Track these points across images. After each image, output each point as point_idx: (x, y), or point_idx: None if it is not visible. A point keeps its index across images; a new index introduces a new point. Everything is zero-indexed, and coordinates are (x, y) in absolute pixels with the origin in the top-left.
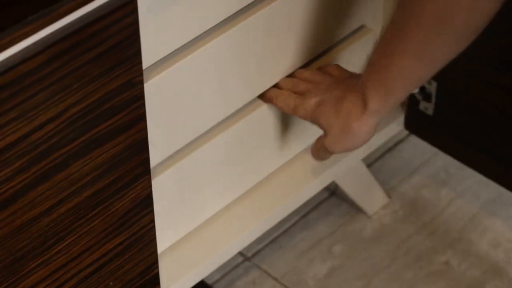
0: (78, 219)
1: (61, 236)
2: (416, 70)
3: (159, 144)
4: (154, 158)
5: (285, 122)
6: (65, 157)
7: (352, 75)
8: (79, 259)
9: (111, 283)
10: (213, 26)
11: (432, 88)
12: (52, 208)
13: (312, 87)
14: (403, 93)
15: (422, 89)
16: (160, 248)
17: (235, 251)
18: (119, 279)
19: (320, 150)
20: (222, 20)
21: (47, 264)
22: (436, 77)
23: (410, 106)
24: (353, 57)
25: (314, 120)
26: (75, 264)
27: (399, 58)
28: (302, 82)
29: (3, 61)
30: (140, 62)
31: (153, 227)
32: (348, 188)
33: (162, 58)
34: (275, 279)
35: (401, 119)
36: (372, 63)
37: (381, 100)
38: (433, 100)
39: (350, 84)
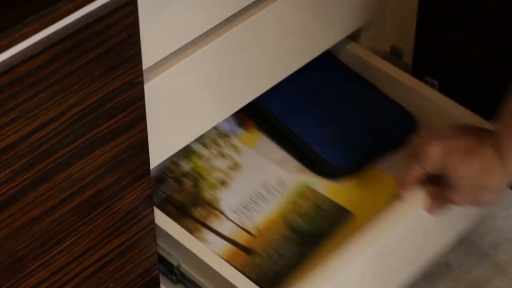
0: (80, 219)
1: (63, 236)
2: None
3: (158, 146)
4: (154, 161)
5: None
6: (66, 157)
7: (477, 127)
8: (80, 259)
9: (111, 284)
10: (214, 27)
11: None
12: (54, 208)
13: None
14: None
15: None
16: None
17: None
18: (120, 280)
19: (440, 202)
20: (222, 21)
21: (48, 265)
22: None
23: None
24: None
25: (444, 170)
26: (76, 264)
27: None
28: None
29: (3, 61)
30: (140, 63)
31: (153, 228)
32: None
33: (162, 59)
34: None
35: None
36: (509, 115)
37: None
38: None
39: (479, 134)
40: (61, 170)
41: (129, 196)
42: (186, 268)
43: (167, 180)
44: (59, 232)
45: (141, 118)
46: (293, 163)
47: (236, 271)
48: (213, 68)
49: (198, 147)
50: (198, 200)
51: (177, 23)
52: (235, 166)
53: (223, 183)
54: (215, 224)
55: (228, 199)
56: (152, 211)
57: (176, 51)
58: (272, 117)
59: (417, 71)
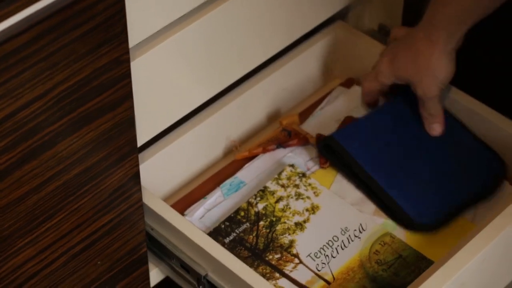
0: (67, 197)
1: (50, 214)
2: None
3: (145, 123)
4: (141, 138)
5: None
6: (53, 135)
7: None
8: (67, 237)
9: (99, 262)
10: (200, 5)
11: None
12: (40, 187)
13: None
14: (466, 12)
15: None
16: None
17: None
18: (108, 258)
19: (424, 111)
20: None
21: (35, 243)
22: None
23: None
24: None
25: (398, 78)
26: (64, 242)
27: None
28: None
29: None
30: (127, 40)
31: (141, 206)
32: None
33: (149, 37)
34: None
35: None
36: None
37: (445, 24)
38: None
39: (412, 30)
40: (48, 148)
41: (117, 173)
42: (214, 277)
43: (240, 221)
44: (46, 210)
45: (128, 96)
46: (370, 203)
47: (265, 280)
48: (199, 46)
49: (274, 187)
50: (273, 244)
51: (164, 1)
52: (313, 208)
53: (300, 226)
54: (291, 270)
55: (304, 244)
56: (140, 189)
57: (162, 29)
58: (350, 159)
59: None
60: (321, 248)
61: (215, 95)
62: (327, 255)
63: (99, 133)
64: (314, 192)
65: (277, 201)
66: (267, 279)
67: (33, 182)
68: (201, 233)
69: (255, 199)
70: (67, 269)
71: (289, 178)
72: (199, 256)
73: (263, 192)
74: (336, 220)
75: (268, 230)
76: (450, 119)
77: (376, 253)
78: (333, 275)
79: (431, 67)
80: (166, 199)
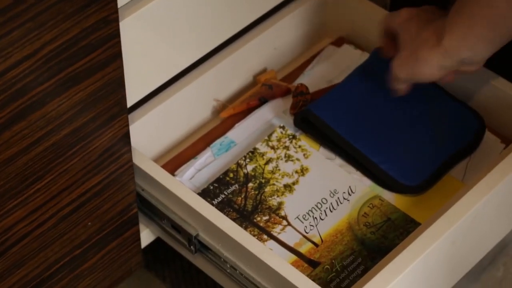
0: (56, 158)
1: (39, 176)
2: (499, 6)
3: (135, 84)
4: (130, 98)
5: None
6: (41, 96)
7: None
8: (57, 198)
9: (89, 223)
10: None
11: None
12: (29, 147)
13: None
14: (482, 35)
15: None
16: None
17: None
18: (98, 218)
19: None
20: None
21: (24, 204)
22: None
23: None
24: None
25: (398, 29)
26: (54, 203)
27: None
28: None
29: None
30: (115, 0)
31: (131, 166)
32: None
33: None
34: None
35: None
36: None
37: (457, 36)
38: None
39: (443, 13)
40: (36, 109)
41: (106, 134)
42: (205, 237)
43: (229, 182)
44: (35, 171)
45: (117, 56)
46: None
47: (255, 240)
48: (189, 6)
49: (264, 149)
50: (262, 205)
51: None
52: (302, 170)
53: (289, 188)
54: (279, 232)
55: (293, 206)
56: (130, 149)
57: None
58: (330, 130)
59: (395, 7)
60: (309, 210)
61: (205, 55)
62: (315, 218)
63: (88, 94)
64: (304, 154)
65: (266, 163)
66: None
67: (22, 143)
68: (191, 193)
69: (245, 160)
70: (58, 230)
71: (279, 140)
72: (189, 216)
73: (252, 153)
74: (325, 182)
75: (256, 192)
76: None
77: (364, 215)
78: (321, 237)
79: (416, 60)
80: (156, 160)
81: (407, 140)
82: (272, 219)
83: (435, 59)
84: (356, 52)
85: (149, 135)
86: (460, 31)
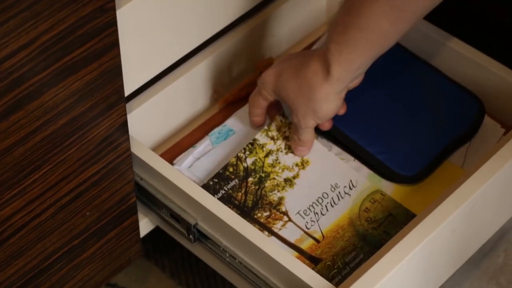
0: (54, 147)
1: (37, 166)
2: (382, 28)
3: (132, 73)
4: (128, 87)
5: None
6: (38, 85)
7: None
8: (55, 188)
9: (88, 213)
10: None
11: None
12: (27, 137)
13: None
14: (369, 55)
15: None
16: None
17: None
18: (96, 208)
19: (295, 134)
20: None
21: (23, 194)
22: None
23: None
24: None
25: (277, 94)
26: (52, 193)
27: (365, 13)
28: None
29: None
30: None
31: (129, 155)
32: None
33: None
34: None
35: None
36: (336, 23)
37: (345, 63)
38: None
39: (309, 51)
40: (33, 99)
41: (104, 123)
42: (204, 226)
43: (229, 177)
44: (33, 161)
45: (114, 45)
46: None
47: (254, 228)
48: None
49: (264, 140)
50: (262, 201)
51: None
52: (302, 163)
53: (289, 182)
54: (280, 228)
55: (294, 201)
56: (128, 138)
57: None
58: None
59: None
60: (310, 205)
61: (203, 43)
62: (316, 213)
63: (86, 83)
64: None
65: (266, 155)
66: None
67: (19, 133)
68: (190, 182)
69: (244, 153)
70: (56, 221)
71: (279, 129)
72: (188, 205)
73: (252, 145)
74: (326, 175)
75: (257, 187)
76: (420, 64)
77: (366, 210)
78: (322, 233)
79: (314, 102)
80: (154, 149)
81: (405, 128)
82: (273, 215)
83: (331, 91)
84: None
85: (147, 124)
86: (347, 58)
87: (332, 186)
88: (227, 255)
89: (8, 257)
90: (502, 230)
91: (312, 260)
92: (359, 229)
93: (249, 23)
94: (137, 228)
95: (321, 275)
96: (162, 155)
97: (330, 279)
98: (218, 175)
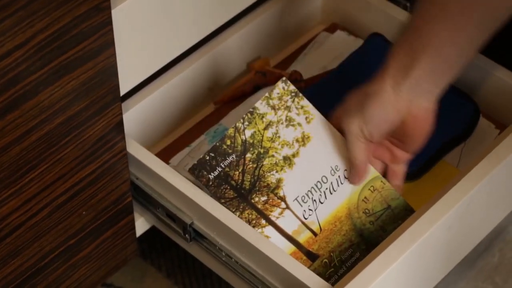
0: (50, 147)
1: (33, 165)
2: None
3: (128, 72)
4: (124, 87)
5: None
6: (34, 85)
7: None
8: (51, 188)
9: (84, 212)
10: None
11: None
12: (23, 137)
13: None
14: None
15: None
16: None
17: None
18: (92, 208)
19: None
20: None
21: (19, 194)
22: None
23: None
24: None
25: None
26: (48, 193)
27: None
28: None
29: None
30: None
31: (125, 155)
32: None
33: None
34: None
35: None
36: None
37: (407, 67)
38: None
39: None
40: (29, 98)
41: (99, 123)
42: (200, 225)
43: (226, 151)
44: (29, 161)
45: (110, 44)
46: None
47: (250, 228)
48: None
49: (264, 109)
50: (260, 183)
51: None
52: (303, 139)
53: (288, 162)
54: (277, 216)
55: (292, 184)
56: (123, 138)
57: None
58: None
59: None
60: (308, 191)
61: (198, 43)
62: (314, 200)
63: (81, 82)
64: (306, 118)
65: (266, 128)
66: (253, 227)
67: (15, 132)
68: (186, 181)
69: (243, 123)
70: (52, 220)
71: (280, 98)
72: (184, 204)
73: (251, 114)
74: (327, 155)
75: (255, 165)
76: None
77: (364, 200)
78: (320, 225)
79: (366, 106)
80: (150, 148)
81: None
82: (271, 200)
83: (403, 102)
84: (350, 39)
85: (143, 124)
86: (408, 57)
87: (332, 169)
88: (223, 254)
89: (5, 256)
90: (497, 229)
91: (309, 256)
92: (357, 223)
93: (244, 23)
94: (133, 227)
95: (318, 273)
96: (157, 155)
97: (327, 278)
98: (214, 149)
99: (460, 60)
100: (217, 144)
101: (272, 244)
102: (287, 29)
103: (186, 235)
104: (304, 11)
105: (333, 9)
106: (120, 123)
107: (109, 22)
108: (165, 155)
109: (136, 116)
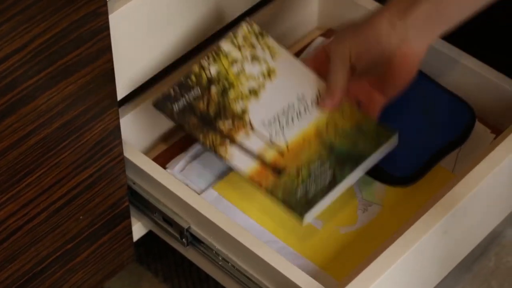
0: (47, 151)
1: (31, 169)
2: None
3: (125, 77)
4: (121, 92)
5: None
6: (32, 89)
7: None
8: (49, 192)
9: (81, 217)
10: None
11: None
12: (20, 141)
13: None
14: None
15: None
16: None
17: None
18: (90, 212)
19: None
20: None
21: (16, 198)
22: None
23: None
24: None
25: (357, 58)
26: (45, 197)
27: None
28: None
29: None
30: None
31: (122, 159)
32: None
33: None
34: None
35: None
36: None
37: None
38: None
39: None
40: (27, 102)
41: (97, 127)
42: (197, 230)
43: (191, 86)
44: (27, 165)
45: (107, 49)
46: None
47: (247, 232)
48: None
49: (229, 48)
50: (225, 110)
51: None
52: (269, 73)
53: (254, 92)
54: (242, 138)
55: (258, 112)
56: (120, 143)
57: None
58: None
59: None
60: (274, 116)
61: (195, 47)
62: (281, 124)
63: (78, 87)
64: (271, 54)
65: (231, 64)
66: (216, 146)
67: (13, 137)
68: (183, 186)
69: (208, 60)
70: (49, 224)
71: (245, 38)
72: (181, 209)
73: (216, 53)
74: (293, 86)
75: (220, 97)
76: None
77: (334, 122)
78: (287, 145)
79: (359, 25)
80: (147, 153)
81: (398, 132)
82: (236, 125)
83: (385, 20)
84: None
85: (140, 128)
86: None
87: (298, 97)
88: (220, 258)
89: (2, 261)
90: (493, 233)
91: (275, 171)
92: (326, 140)
93: None
94: (130, 232)
95: (284, 187)
96: (154, 159)
97: (294, 191)
98: (180, 84)
99: (459, 14)
100: (182, 79)
101: (269, 249)
102: (284, 34)
103: (183, 239)
104: (300, 16)
105: (330, 15)
106: (117, 128)
107: (106, 27)
108: (162, 159)
109: (133, 121)
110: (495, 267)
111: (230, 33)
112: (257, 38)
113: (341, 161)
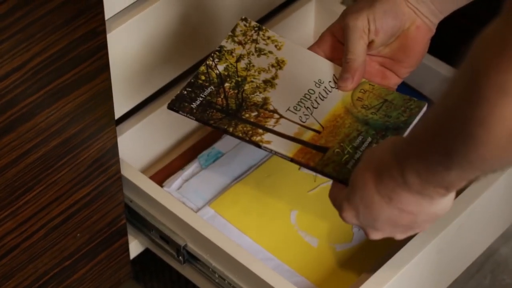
0: (45, 169)
1: (29, 187)
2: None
3: (122, 95)
4: (118, 110)
5: None
6: (31, 107)
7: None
8: (47, 209)
9: (78, 234)
10: None
11: None
12: (19, 159)
13: None
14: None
15: None
16: None
17: None
18: (87, 230)
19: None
20: None
21: (14, 216)
22: None
23: None
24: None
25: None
26: (43, 215)
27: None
28: None
29: None
30: (103, 11)
31: (119, 177)
32: None
33: (125, 9)
34: None
35: None
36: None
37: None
38: None
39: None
40: (26, 120)
41: (94, 145)
42: (193, 247)
43: (203, 85)
44: (25, 183)
45: (105, 67)
46: None
47: (243, 250)
48: (176, 17)
49: (231, 46)
50: (246, 103)
51: None
52: (278, 63)
53: (270, 83)
54: (273, 125)
55: (280, 100)
56: (118, 161)
57: (138, 0)
58: None
59: None
60: (298, 101)
61: (192, 66)
62: (308, 107)
63: (77, 105)
64: (276, 46)
65: (237, 60)
66: (250, 136)
67: (11, 155)
68: (179, 204)
69: (213, 60)
70: (47, 242)
71: (244, 34)
72: (178, 227)
73: (219, 52)
74: (307, 73)
75: (236, 91)
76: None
77: (359, 99)
78: (320, 124)
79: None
80: (144, 171)
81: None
82: (262, 114)
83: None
84: None
85: (137, 147)
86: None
87: (316, 82)
88: (217, 276)
89: (0, 278)
90: (489, 251)
91: (318, 149)
92: (358, 116)
93: None
94: (127, 249)
95: (333, 161)
96: (152, 177)
97: (344, 164)
98: (190, 84)
99: None
100: (192, 80)
101: (265, 266)
102: None
103: (180, 257)
104: (297, 36)
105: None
106: (115, 146)
107: (104, 46)
108: (159, 177)
109: (131, 139)
110: (491, 285)
111: (229, 33)
112: (256, 32)
113: (380, 132)
